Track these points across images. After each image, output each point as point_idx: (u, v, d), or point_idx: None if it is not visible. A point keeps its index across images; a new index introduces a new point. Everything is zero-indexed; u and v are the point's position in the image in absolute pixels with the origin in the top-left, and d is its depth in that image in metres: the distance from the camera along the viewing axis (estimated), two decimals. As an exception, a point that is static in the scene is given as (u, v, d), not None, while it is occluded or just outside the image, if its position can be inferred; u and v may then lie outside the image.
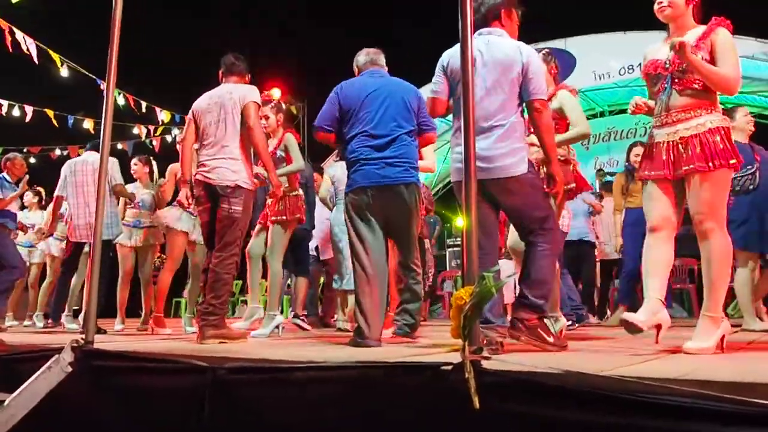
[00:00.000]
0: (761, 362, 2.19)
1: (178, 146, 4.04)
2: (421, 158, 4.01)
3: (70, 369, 2.41)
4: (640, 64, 8.86)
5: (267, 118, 4.64)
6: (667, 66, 2.74)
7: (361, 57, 3.72)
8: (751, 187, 4.58)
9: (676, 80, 2.70)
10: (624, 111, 11.89)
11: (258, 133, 3.87)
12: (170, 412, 2.13)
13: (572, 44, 10.22)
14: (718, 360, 2.25)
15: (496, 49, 2.89)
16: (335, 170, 5.30)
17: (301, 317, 5.61)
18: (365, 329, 3.17)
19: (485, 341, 2.59)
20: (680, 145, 2.66)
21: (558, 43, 10.16)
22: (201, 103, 4.01)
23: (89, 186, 5.42)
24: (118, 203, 5.58)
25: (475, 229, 1.90)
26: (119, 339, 4.18)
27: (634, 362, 2.10)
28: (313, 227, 5.75)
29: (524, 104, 2.91)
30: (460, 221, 7.57)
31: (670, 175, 2.69)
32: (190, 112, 4.06)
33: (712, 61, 2.65)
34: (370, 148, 3.35)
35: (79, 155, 10.53)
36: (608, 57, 9.86)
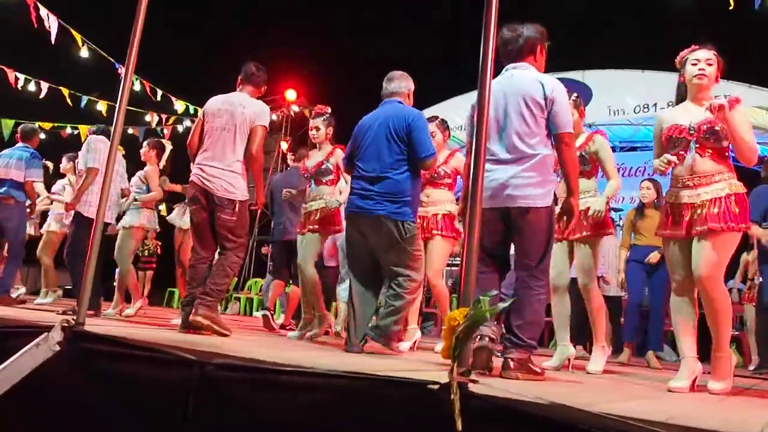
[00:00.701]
0: (750, 410, 2.18)
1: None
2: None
3: (57, 348, 2.41)
4: (655, 105, 8.91)
5: (317, 129, 4.75)
6: (692, 131, 2.92)
7: (385, 86, 3.86)
8: None
9: (698, 145, 2.90)
10: (635, 149, 11.90)
11: (258, 160, 4.05)
12: (156, 402, 2.12)
13: (590, 77, 10.25)
14: (709, 405, 2.24)
15: (517, 83, 2.95)
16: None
17: (288, 327, 5.68)
18: (352, 338, 3.51)
19: (477, 338, 2.60)
20: (700, 208, 2.86)
21: (576, 75, 10.20)
22: (213, 105, 4.10)
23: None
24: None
25: (476, 252, 1.90)
26: (113, 323, 4.17)
27: (621, 399, 2.09)
28: None
29: (552, 137, 2.95)
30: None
31: (686, 235, 2.89)
32: (201, 111, 4.14)
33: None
34: (361, 180, 3.64)
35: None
36: (624, 94, 9.87)
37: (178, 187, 6.08)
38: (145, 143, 5.94)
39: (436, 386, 1.69)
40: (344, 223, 4.59)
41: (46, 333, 2.41)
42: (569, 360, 3.76)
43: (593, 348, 3.83)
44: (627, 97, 9.84)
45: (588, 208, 3.72)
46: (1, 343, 2.66)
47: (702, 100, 2.99)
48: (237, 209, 3.94)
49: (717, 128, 2.87)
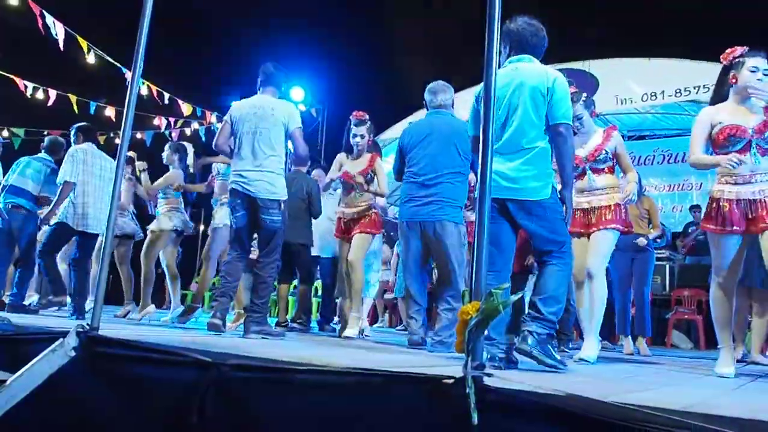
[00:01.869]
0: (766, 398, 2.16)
1: (213, 147, 4.22)
2: None
3: (73, 353, 2.42)
4: (663, 92, 8.89)
5: (362, 136, 4.94)
6: (752, 133, 3.08)
7: (428, 96, 4.10)
8: None
9: (759, 146, 3.08)
10: (643, 137, 11.81)
11: (305, 162, 4.61)
12: (172, 404, 2.13)
13: (595, 67, 10.17)
14: (724, 394, 2.22)
15: (524, 75, 2.95)
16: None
17: (297, 322, 5.70)
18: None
19: (489, 357, 2.62)
20: (762, 203, 3.01)
21: (580, 65, 10.13)
22: (240, 110, 4.19)
23: (98, 178, 5.44)
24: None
25: (485, 246, 1.90)
26: (128, 327, 4.20)
27: (640, 390, 2.08)
28: (308, 244, 5.83)
29: (549, 128, 2.94)
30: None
31: (743, 230, 3.06)
32: (228, 115, 4.24)
33: None
34: (416, 185, 3.91)
35: (99, 143, 10.68)
36: (631, 82, 9.80)
37: (200, 187, 6.06)
38: (167, 147, 5.96)
39: (451, 380, 1.69)
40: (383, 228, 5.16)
41: (62, 339, 2.42)
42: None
43: (588, 337, 3.75)
44: (634, 85, 9.75)
45: (615, 205, 3.77)
46: (18, 350, 2.68)
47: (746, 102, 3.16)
48: (280, 209, 4.10)
49: None
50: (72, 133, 5.73)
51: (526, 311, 2.86)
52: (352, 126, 4.98)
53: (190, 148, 6.05)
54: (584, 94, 4.02)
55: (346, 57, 13.29)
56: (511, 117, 2.91)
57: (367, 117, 4.97)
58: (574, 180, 3.80)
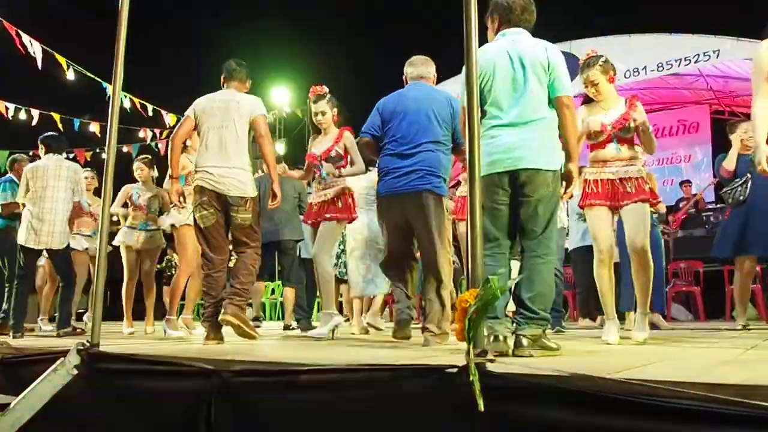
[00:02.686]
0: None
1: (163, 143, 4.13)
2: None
3: (75, 372, 2.41)
4: (645, 68, 8.89)
5: (323, 113, 4.39)
6: None
7: (408, 68, 3.87)
8: (741, 198, 4.76)
9: None
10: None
11: (268, 144, 3.98)
12: (177, 415, 2.13)
13: (577, 47, 10.15)
14: (725, 363, 2.23)
15: (522, 47, 2.93)
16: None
17: (290, 326, 5.69)
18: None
19: (493, 336, 2.59)
20: None
21: (563, 47, 10.13)
22: (203, 104, 4.00)
23: (55, 191, 5.30)
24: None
25: (480, 234, 1.89)
26: (127, 342, 4.19)
27: (641, 364, 2.09)
28: (302, 239, 5.81)
29: (553, 101, 2.91)
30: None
31: None
32: (191, 109, 4.03)
33: None
34: (398, 157, 3.59)
35: (86, 159, 10.63)
36: (614, 60, 9.79)
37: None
38: (140, 163, 5.86)
39: (455, 369, 1.70)
40: (359, 211, 4.63)
41: (63, 358, 2.41)
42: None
43: (639, 316, 3.64)
44: (617, 62, 9.74)
45: (642, 178, 3.61)
46: (19, 372, 2.67)
47: None
48: (250, 205, 3.88)
49: None
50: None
51: (517, 311, 2.79)
52: (311, 104, 4.50)
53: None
54: (602, 58, 3.86)
55: (329, 56, 13.27)
56: (518, 90, 2.88)
57: (327, 90, 4.47)
58: (594, 149, 3.72)
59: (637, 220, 3.56)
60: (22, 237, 5.18)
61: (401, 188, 3.54)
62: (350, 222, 4.48)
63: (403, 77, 3.90)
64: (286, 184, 5.33)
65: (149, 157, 6.15)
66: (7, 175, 6.01)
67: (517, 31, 3.01)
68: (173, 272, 9.62)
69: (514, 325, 2.72)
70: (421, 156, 3.53)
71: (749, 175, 4.77)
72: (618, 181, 3.63)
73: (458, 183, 7.39)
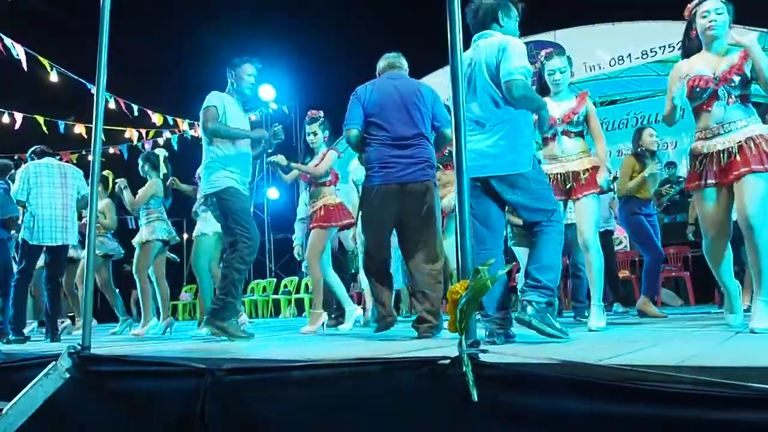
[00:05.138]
0: (756, 347, 2.20)
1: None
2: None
3: (67, 375, 2.40)
4: (629, 55, 8.92)
5: (315, 134, 4.95)
6: (716, 82, 2.99)
7: (381, 62, 3.89)
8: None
9: (728, 94, 2.97)
10: (615, 102, 11.90)
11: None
12: (171, 415, 2.13)
13: (561, 37, 10.19)
14: (714, 346, 2.26)
15: (481, 52, 2.97)
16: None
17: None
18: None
19: (488, 333, 2.65)
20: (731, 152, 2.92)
21: (548, 36, 10.15)
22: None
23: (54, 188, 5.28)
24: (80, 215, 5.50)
25: (469, 225, 1.90)
26: (118, 343, 4.17)
27: (631, 350, 2.11)
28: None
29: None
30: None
31: (716, 183, 3.01)
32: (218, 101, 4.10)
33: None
34: (391, 147, 3.56)
35: (70, 161, 10.54)
36: (598, 49, 9.85)
37: (188, 189, 6.00)
38: (140, 159, 5.83)
39: (448, 361, 1.70)
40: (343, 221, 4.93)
41: (54, 362, 2.40)
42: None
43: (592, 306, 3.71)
44: (601, 51, 9.81)
45: (592, 168, 3.68)
46: (11, 377, 2.66)
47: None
48: (210, 203, 4.01)
49: (743, 74, 2.93)
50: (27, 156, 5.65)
51: (524, 281, 2.88)
52: (306, 125, 5.04)
53: (161, 152, 5.97)
54: (567, 52, 3.96)
55: (316, 53, 13.21)
56: (476, 95, 2.94)
57: (321, 114, 4.99)
58: (543, 144, 3.82)
59: (581, 216, 3.68)
60: (28, 234, 5.10)
61: (406, 178, 3.49)
62: (327, 227, 4.85)
63: (377, 72, 3.89)
64: None
65: (146, 153, 6.10)
66: None
67: (484, 33, 3.04)
68: None
69: (520, 293, 2.84)
70: (418, 148, 3.55)
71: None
72: (565, 175, 3.71)
73: None
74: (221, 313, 3.82)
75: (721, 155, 2.95)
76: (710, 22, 3.02)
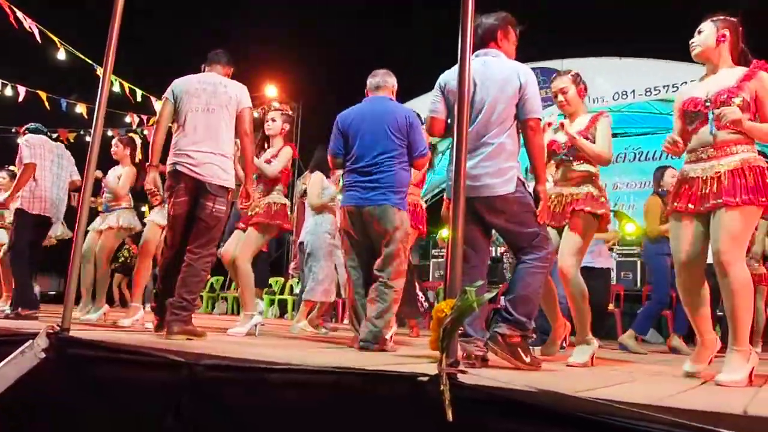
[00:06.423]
0: (733, 392, 2.22)
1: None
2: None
3: (43, 355, 2.39)
4: (633, 91, 8.94)
5: (273, 120, 4.69)
6: (708, 104, 2.75)
7: (370, 81, 3.88)
8: None
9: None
10: (615, 135, 11.95)
11: (250, 142, 3.85)
12: (145, 405, 2.12)
13: (568, 66, 10.23)
14: (693, 388, 2.27)
15: (492, 70, 2.94)
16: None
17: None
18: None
19: (464, 355, 2.63)
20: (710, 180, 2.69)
21: (555, 64, 10.21)
22: (186, 85, 3.73)
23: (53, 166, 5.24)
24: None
25: (461, 244, 1.92)
26: (98, 328, 4.14)
27: (609, 384, 2.12)
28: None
29: (520, 123, 2.94)
30: (445, 232, 7.54)
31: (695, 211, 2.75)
32: (170, 91, 3.76)
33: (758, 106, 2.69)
34: (357, 174, 3.64)
35: (67, 140, 10.49)
36: (603, 81, 9.93)
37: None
38: (116, 140, 5.65)
39: (426, 378, 1.71)
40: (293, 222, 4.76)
41: (31, 341, 2.39)
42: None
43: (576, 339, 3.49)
44: (606, 84, 9.89)
45: (587, 194, 3.54)
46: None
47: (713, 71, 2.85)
48: (227, 198, 3.66)
49: (736, 98, 2.68)
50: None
51: (499, 312, 2.85)
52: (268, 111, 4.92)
53: (137, 140, 5.90)
54: (573, 70, 3.84)
55: (319, 52, 13.23)
56: (476, 114, 2.90)
57: (288, 110, 4.93)
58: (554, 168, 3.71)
59: (564, 243, 3.45)
60: (27, 203, 5.01)
61: (363, 202, 3.56)
62: (279, 230, 4.63)
63: (365, 90, 3.91)
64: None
65: (127, 135, 6.05)
66: None
67: (489, 51, 3.04)
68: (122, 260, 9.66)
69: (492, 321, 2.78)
70: (380, 174, 3.57)
71: None
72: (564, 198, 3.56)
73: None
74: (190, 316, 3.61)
75: (700, 181, 2.73)
76: (691, 43, 2.88)
